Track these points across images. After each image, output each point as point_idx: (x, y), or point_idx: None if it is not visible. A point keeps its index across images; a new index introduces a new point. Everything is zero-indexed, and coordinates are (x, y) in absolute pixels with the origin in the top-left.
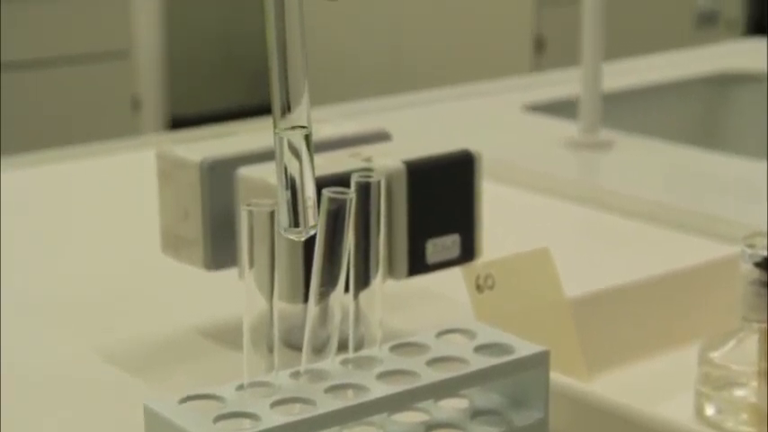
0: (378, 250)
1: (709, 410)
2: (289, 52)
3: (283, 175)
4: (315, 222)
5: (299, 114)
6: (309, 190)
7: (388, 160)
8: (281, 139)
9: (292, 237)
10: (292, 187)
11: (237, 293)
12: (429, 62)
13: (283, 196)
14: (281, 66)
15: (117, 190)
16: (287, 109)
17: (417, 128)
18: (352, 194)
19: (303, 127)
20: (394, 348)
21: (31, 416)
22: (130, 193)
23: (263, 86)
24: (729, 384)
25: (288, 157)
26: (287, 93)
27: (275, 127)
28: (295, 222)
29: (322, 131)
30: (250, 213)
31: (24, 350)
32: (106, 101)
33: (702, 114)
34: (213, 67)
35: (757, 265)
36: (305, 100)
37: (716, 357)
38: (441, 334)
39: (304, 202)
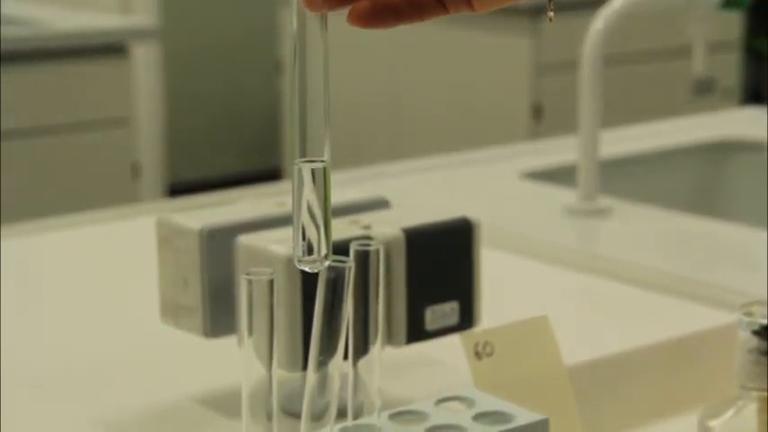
0: (377, 318)
1: None
2: (309, 96)
3: (299, 206)
4: (328, 252)
5: (318, 150)
6: (325, 222)
7: (386, 228)
8: (298, 169)
9: (307, 267)
10: (308, 219)
11: (236, 361)
12: (427, 129)
13: (298, 227)
14: (301, 106)
15: (116, 257)
16: (305, 147)
17: (416, 195)
18: (351, 263)
19: (322, 160)
20: (393, 416)
21: None
22: (130, 260)
23: (261, 153)
24: None
25: (304, 188)
26: (305, 134)
27: (293, 158)
28: (308, 251)
29: None
30: (249, 282)
31: (22, 419)
32: (106, 168)
33: (700, 182)
34: (212, 133)
35: (755, 333)
36: (326, 139)
37: (715, 426)
38: (439, 402)
39: (318, 232)
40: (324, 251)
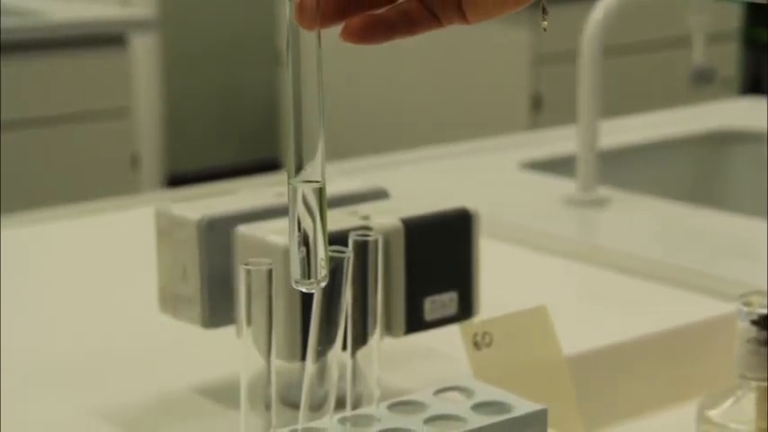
0: (375, 308)
1: None
2: (304, 108)
3: (296, 227)
4: (326, 274)
5: (314, 169)
6: (321, 242)
7: (385, 218)
8: (294, 189)
9: (303, 288)
10: (305, 239)
11: (235, 352)
12: (427, 120)
13: (295, 248)
14: (296, 120)
15: (115, 248)
16: (301, 164)
17: (415, 186)
18: (349, 253)
19: (317, 182)
20: (392, 406)
21: None
22: (129, 251)
23: (260, 144)
24: None
25: (301, 209)
26: (301, 148)
27: (289, 178)
28: (307, 274)
29: None
30: (248, 272)
31: (22, 410)
32: (105, 159)
33: (700, 172)
34: (211, 124)
35: (754, 323)
36: (320, 154)
37: (714, 415)
38: (438, 392)
39: (316, 254)
40: (321, 274)
